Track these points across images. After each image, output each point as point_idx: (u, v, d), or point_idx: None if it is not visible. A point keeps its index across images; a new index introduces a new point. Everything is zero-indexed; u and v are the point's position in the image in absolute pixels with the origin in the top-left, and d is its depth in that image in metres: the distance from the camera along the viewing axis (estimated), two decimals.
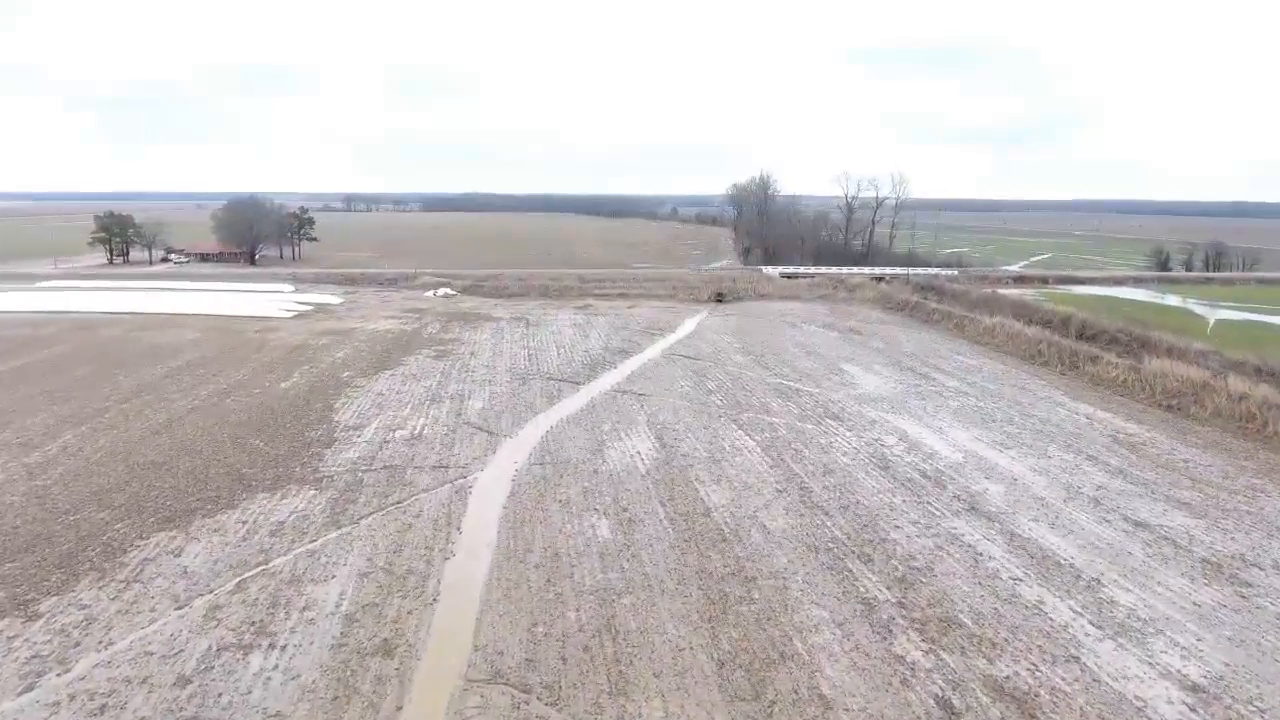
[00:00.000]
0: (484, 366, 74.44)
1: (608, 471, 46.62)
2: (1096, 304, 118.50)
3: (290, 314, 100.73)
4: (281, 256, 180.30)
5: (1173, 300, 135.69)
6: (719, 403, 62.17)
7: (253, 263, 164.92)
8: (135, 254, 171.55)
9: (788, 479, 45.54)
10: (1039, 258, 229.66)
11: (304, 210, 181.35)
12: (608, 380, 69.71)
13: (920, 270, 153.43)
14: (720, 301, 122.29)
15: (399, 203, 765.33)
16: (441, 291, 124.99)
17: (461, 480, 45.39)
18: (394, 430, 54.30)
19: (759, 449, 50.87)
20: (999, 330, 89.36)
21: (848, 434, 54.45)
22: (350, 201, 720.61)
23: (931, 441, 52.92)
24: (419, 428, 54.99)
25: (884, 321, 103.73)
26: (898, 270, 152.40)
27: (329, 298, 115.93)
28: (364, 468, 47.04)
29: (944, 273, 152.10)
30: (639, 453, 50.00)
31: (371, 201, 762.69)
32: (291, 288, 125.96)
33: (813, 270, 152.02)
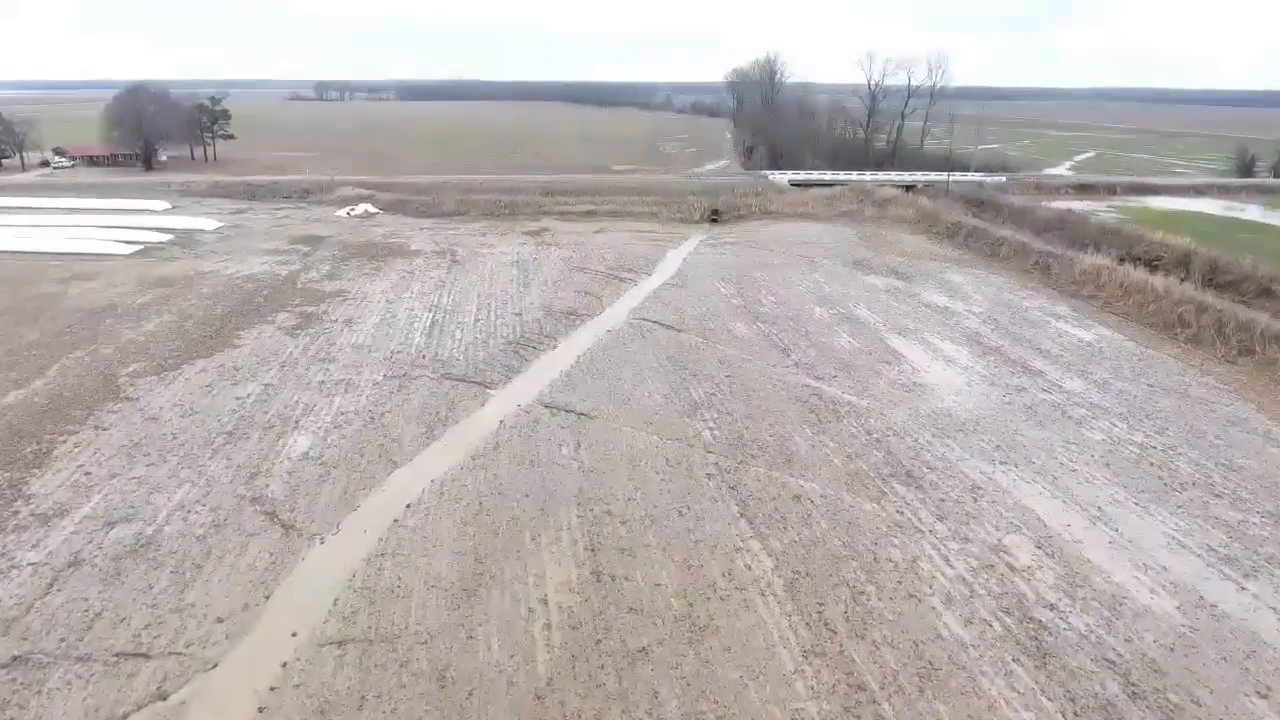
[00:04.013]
0: (354, 348, 49.14)
1: (467, 675, 22.33)
2: (1191, 224, 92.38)
3: (131, 249, 74.20)
4: (193, 158, 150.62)
5: (1253, 213, 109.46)
6: (709, 437, 37.38)
7: (149, 167, 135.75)
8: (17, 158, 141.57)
9: (850, 705, 21.32)
10: (1083, 156, 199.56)
11: (215, 101, 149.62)
12: (537, 377, 44.72)
13: (960, 176, 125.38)
14: (715, 222, 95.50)
15: (374, 91, 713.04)
16: (360, 209, 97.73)
17: (150, 710, 21.17)
18: (110, 525, 29.66)
19: (781, 585, 26.43)
20: (1105, 278, 63.62)
21: (939, 528, 29.93)
22: (322, 90, 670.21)
23: (1096, 552, 28.49)
24: (163, 515, 30.37)
25: (934, 256, 77.55)
26: (933, 177, 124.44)
27: (204, 221, 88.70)
28: None
29: (990, 180, 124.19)
30: (546, 598, 25.61)
31: (346, 89, 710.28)
32: (167, 205, 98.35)
33: (829, 177, 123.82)
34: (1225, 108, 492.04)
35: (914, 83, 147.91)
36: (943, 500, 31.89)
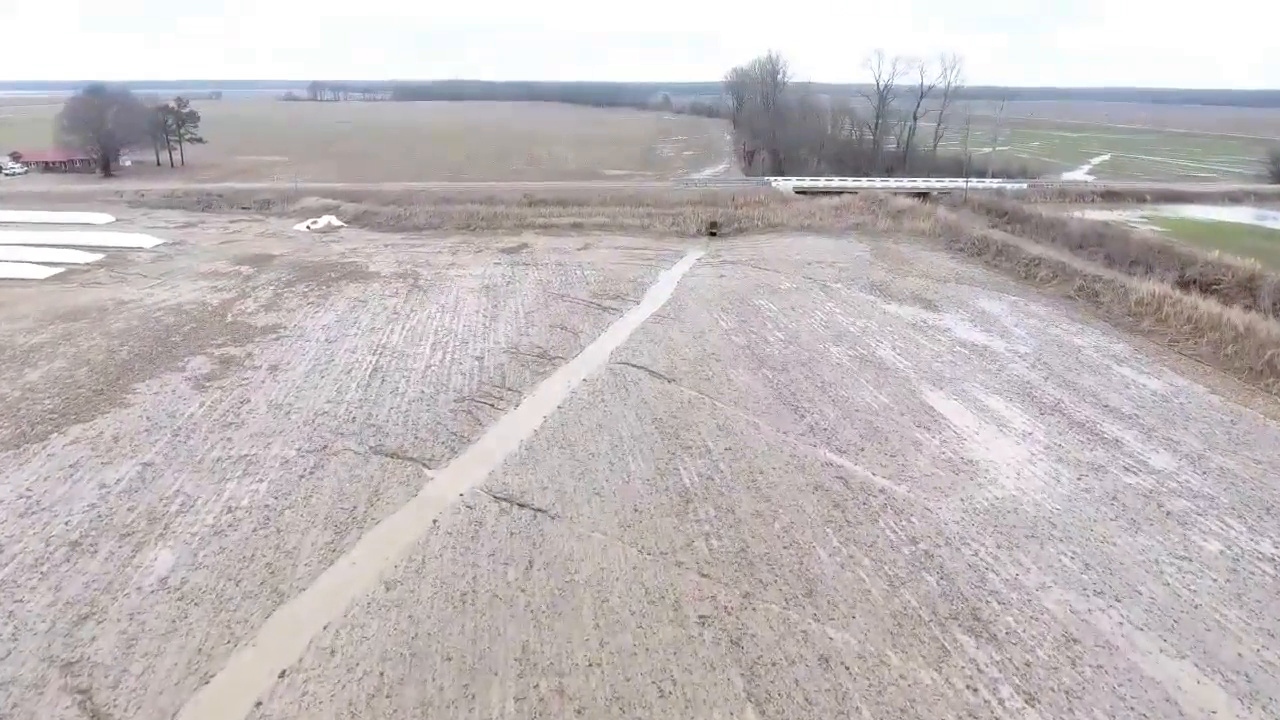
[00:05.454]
0: (272, 407, 40.16)
1: None
2: (1237, 237, 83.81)
3: (50, 273, 65.23)
4: (158, 163, 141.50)
5: None
6: (704, 550, 28.39)
7: (108, 174, 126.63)
8: None
9: None
10: (1099, 159, 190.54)
11: (182, 103, 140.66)
12: (489, 451, 35.78)
13: (978, 183, 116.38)
14: (714, 236, 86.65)
15: (369, 91, 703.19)
16: (322, 222, 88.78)
17: None
18: None
19: None
20: (1167, 309, 54.67)
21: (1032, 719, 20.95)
22: (316, 90, 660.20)
23: None
24: None
25: (961, 278, 68.54)
26: (949, 183, 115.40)
27: (144, 237, 79.70)
28: None
29: (1010, 186, 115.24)
30: None
31: (342, 90, 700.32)
32: (110, 218, 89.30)
33: (838, 184, 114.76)
34: (1226, 108, 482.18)
35: (926, 82, 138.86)
36: (1028, 664, 22.92)
